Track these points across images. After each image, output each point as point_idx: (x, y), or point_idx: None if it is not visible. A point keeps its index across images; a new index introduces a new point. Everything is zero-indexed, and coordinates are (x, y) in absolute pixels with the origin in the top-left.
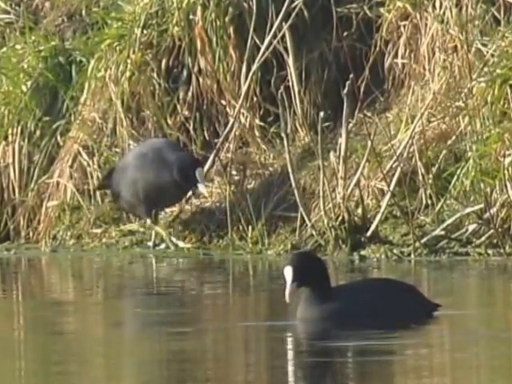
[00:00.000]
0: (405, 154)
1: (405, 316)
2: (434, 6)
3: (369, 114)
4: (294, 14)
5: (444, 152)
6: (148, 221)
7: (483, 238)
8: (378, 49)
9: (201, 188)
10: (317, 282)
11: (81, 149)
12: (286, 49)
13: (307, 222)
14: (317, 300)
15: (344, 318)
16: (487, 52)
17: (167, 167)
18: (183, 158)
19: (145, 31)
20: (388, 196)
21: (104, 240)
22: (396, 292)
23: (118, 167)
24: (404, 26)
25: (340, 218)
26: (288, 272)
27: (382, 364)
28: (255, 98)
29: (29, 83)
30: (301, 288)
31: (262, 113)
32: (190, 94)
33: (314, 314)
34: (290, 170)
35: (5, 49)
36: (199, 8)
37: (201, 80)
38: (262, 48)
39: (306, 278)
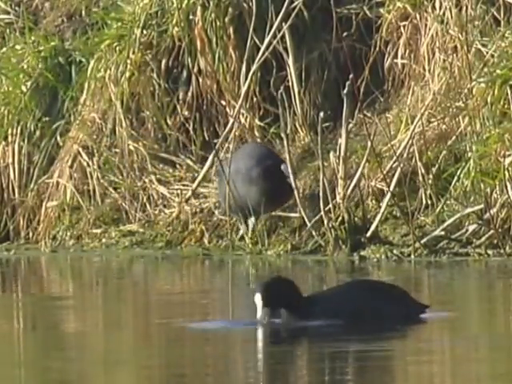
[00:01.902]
0: (405, 155)
1: (390, 319)
2: (433, 7)
3: (369, 115)
4: (293, 15)
5: (444, 152)
6: (243, 225)
7: (483, 239)
8: (377, 49)
9: (283, 167)
10: (290, 303)
11: (80, 149)
12: (285, 49)
13: (307, 222)
14: (294, 317)
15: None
16: (487, 52)
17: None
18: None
19: (144, 31)
20: (388, 196)
21: (104, 240)
22: (379, 294)
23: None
24: (404, 27)
25: (340, 218)
26: (258, 299)
27: (370, 370)
28: (255, 99)
29: (29, 83)
30: (275, 310)
31: (261, 113)
32: (189, 94)
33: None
34: (289, 171)
35: (5, 49)
36: (199, 8)
37: (200, 80)
38: (262, 48)
39: (276, 303)
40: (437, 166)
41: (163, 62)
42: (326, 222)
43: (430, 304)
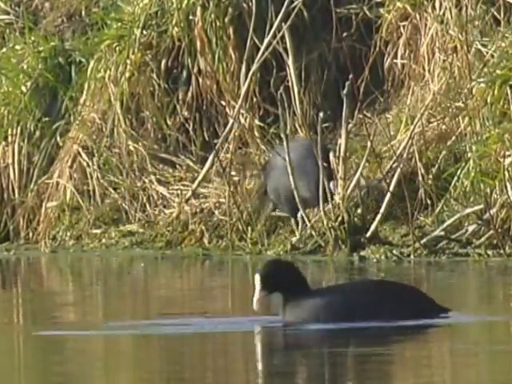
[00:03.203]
0: (404, 155)
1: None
2: (433, 7)
3: (368, 115)
4: (293, 15)
5: (444, 152)
6: (292, 220)
7: (483, 239)
8: (377, 49)
9: (331, 185)
10: (291, 287)
11: (80, 149)
12: (285, 49)
13: (307, 222)
14: (294, 302)
15: (323, 316)
16: (487, 52)
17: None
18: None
19: (144, 32)
20: (388, 196)
21: (104, 241)
22: (381, 292)
23: (269, 164)
24: (404, 27)
25: (340, 218)
26: (257, 280)
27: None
28: (255, 99)
29: (28, 84)
30: (272, 295)
31: (261, 113)
32: (189, 94)
33: (292, 315)
34: (289, 171)
35: (4, 49)
36: (199, 8)
37: (200, 80)
38: (262, 48)
39: (275, 286)
40: (436, 166)
41: (163, 62)
42: (325, 222)
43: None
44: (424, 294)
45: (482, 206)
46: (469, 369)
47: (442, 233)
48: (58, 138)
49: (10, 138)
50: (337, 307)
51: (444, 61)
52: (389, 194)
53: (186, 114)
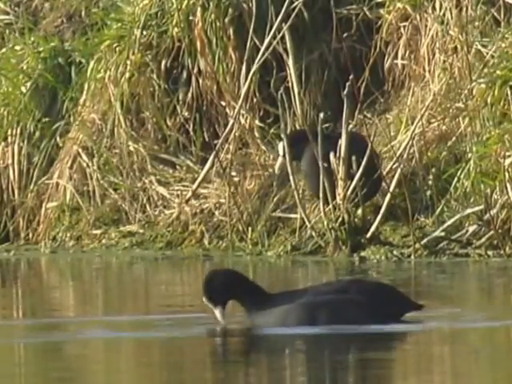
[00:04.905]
0: (405, 155)
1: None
2: (433, 7)
3: (369, 115)
4: (293, 15)
5: (444, 153)
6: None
7: (483, 240)
8: (377, 50)
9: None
10: (241, 293)
11: (80, 150)
12: (285, 50)
13: (307, 223)
14: (252, 309)
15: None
16: (487, 53)
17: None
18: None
19: (144, 32)
20: (388, 197)
21: (104, 241)
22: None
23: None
24: (404, 27)
25: (340, 219)
26: (205, 301)
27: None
28: (255, 99)
29: (28, 84)
30: (227, 304)
31: (261, 114)
32: (189, 95)
33: (254, 322)
34: (289, 171)
35: (4, 50)
36: (199, 9)
37: (200, 81)
38: (262, 49)
39: (224, 297)
40: (437, 166)
41: (163, 62)
42: (325, 223)
43: (425, 304)
44: (398, 292)
45: (482, 207)
46: (470, 373)
47: (443, 233)
48: (58, 139)
49: (9, 139)
50: (301, 310)
51: (444, 61)
52: (389, 195)
53: (186, 114)
